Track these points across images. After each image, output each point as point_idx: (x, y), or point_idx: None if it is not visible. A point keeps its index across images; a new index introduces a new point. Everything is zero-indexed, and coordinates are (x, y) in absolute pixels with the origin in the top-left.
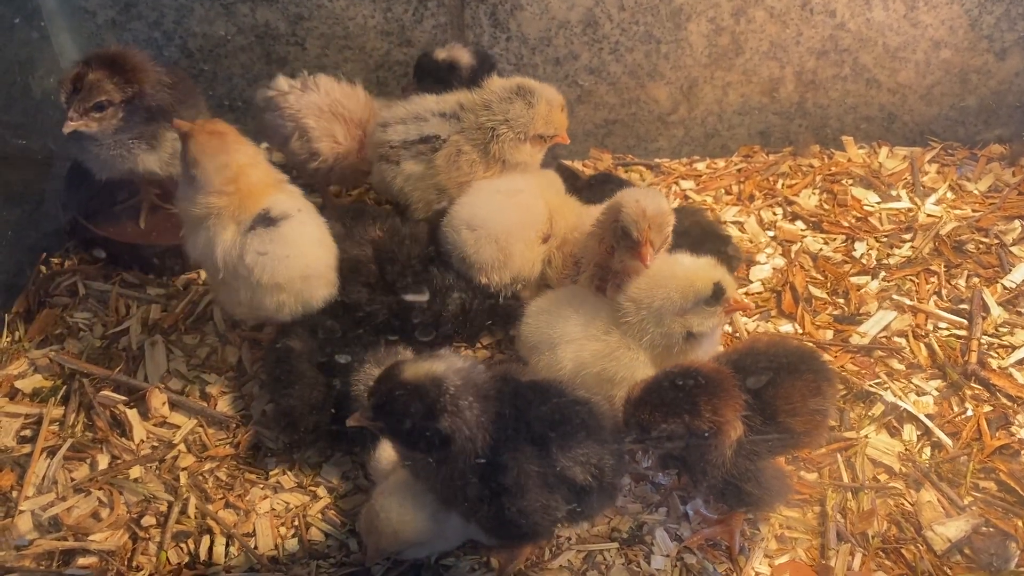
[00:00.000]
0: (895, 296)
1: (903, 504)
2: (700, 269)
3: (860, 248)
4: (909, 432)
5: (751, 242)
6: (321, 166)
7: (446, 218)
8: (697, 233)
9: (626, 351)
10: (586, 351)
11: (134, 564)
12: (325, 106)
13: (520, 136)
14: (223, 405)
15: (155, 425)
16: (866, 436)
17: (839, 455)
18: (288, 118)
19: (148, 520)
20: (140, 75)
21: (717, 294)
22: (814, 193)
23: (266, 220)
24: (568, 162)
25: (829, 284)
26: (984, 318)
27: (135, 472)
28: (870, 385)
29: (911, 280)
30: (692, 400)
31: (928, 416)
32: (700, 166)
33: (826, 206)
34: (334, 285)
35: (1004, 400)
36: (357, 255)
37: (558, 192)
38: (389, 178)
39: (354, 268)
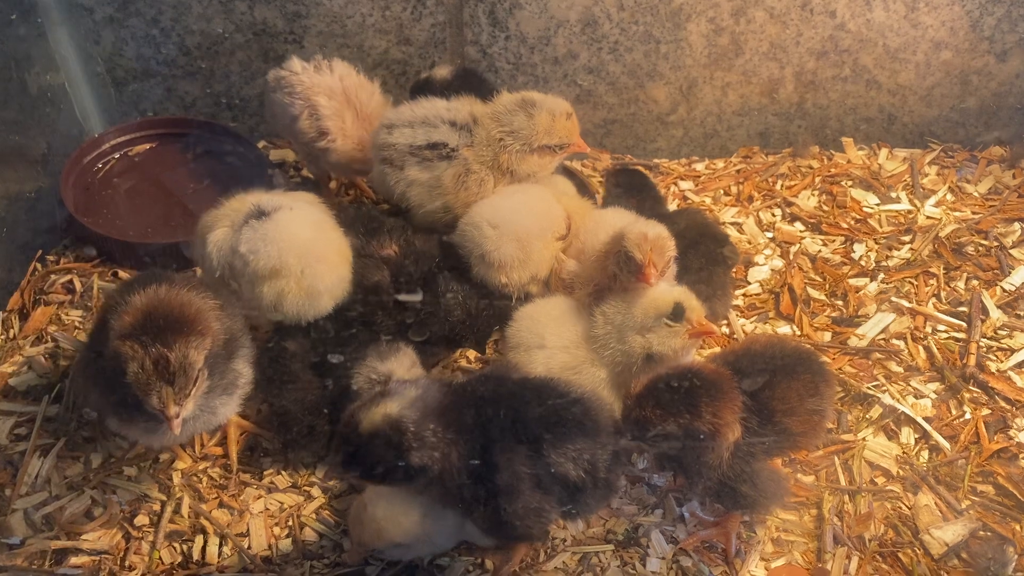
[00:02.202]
0: (894, 298)
1: (900, 507)
2: (666, 291)
3: (859, 250)
4: (907, 435)
5: (750, 243)
6: (329, 146)
7: (466, 217)
8: (694, 234)
9: (589, 367)
10: (555, 361)
11: (127, 563)
12: (338, 89)
13: (525, 147)
14: None
15: None
16: (864, 439)
17: (836, 458)
18: (298, 96)
19: (141, 519)
20: (206, 324)
21: (677, 312)
22: (813, 194)
23: (258, 213)
24: (567, 162)
25: (828, 286)
26: (983, 321)
27: (129, 471)
28: (868, 388)
29: (910, 282)
30: (692, 401)
31: (926, 419)
32: (699, 167)
33: (825, 207)
34: (343, 276)
35: (1003, 403)
36: (378, 281)
37: (571, 197)
38: (391, 182)
39: (374, 292)
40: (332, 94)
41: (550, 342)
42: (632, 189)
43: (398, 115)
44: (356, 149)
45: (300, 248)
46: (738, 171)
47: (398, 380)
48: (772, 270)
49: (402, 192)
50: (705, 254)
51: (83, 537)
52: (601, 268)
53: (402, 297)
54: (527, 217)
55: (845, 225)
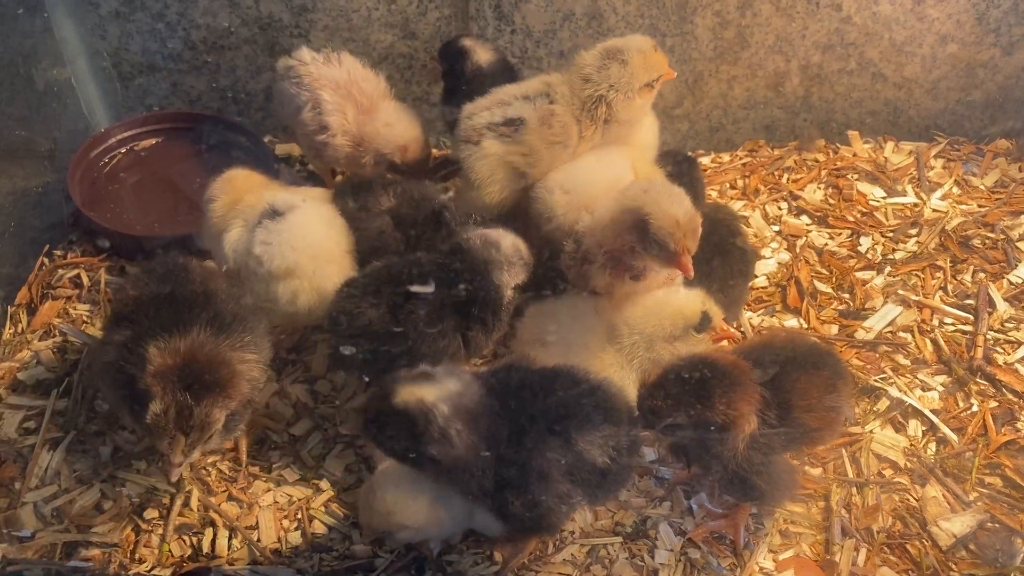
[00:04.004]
0: (900, 291)
1: (908, 500)
2: (690, 299)
3: (865, 243)
4: (914, 427)
5: (756, 237)
6: (328, 140)
7: (541, 180)
8: (706, 226)
9: (618, 370)
10: (578, 362)
11: (136, 556)
12: (343, 83)
13: (629, 94)
14: None
15: None
16: (871, 431)
17: (844, 450)
18: (305, 87)
19: (151, 512)
20: (238, 388)
21: (704, 322)
22: (819, 188)
23: (272, 213)
24: None
25: (834, 279)
26: (990, 314)
27: (138, 464)
28: (875, 380)
29: (916, 275)
30: (707, 391)
31: (933, 411)
32: (705, 160)
33: (831, 201)
34: (351, 274)
35: (1010, 396)
36: (379, 226)
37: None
38: (464, 155)
39: (378, 238)
40: (336, 88)
41: (569, 340)
42: (677, 177)
43: (476, 105)
44: (354, 145)
45: (312, 250)
46: (744, 164)
47: (446, 368)
48: (779, 263)
49: (471, 166)
50: (721, 245)
51: (93, 530)
52: (613, 235)
53: (415, 288)
54: (599, 187)
55: (851, 218)
